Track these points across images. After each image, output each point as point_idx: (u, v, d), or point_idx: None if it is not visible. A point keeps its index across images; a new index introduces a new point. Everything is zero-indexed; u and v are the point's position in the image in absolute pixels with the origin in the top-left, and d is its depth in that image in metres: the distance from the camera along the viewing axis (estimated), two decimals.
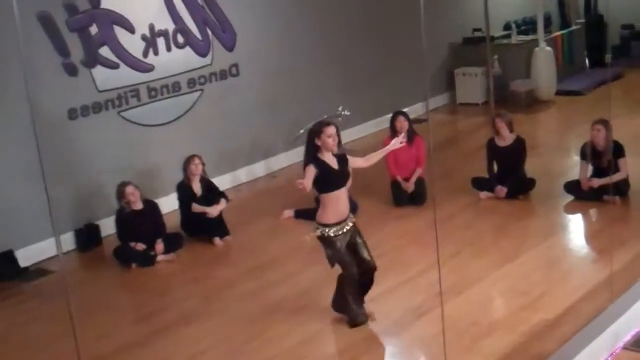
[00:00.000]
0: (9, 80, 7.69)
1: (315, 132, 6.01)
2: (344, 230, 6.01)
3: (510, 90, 13.06)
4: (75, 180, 8.54)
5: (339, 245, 5.99)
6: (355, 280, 6.06)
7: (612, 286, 6.11)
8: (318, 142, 5.94)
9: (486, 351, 5.61)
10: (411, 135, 8.81)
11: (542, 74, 13.06)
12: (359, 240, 6.11)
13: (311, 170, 5.84)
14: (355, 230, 6.11)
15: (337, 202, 5.96)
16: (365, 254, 6.10)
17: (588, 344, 5.25)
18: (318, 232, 6.02)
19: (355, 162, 6.20)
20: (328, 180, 5.91)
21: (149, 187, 8.65)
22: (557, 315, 5.98)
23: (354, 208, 7.03)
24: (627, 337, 5.58)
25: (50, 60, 8.29)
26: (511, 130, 8.73)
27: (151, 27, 9.21)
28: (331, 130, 5.94)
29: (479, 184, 8.84)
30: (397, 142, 6.19)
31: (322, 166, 5.89)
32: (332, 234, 5.97)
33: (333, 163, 5.98)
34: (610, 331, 5.44)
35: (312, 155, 5.99)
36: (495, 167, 8.82)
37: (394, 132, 8.90)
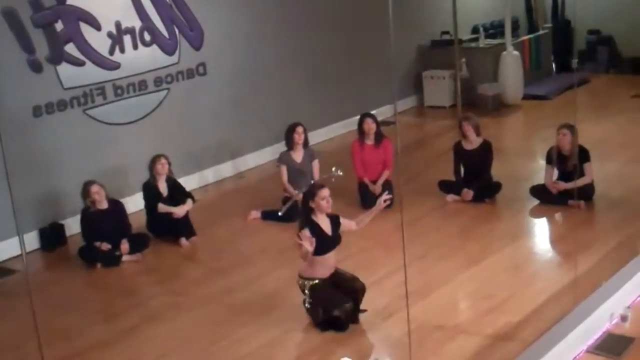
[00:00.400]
0: None
1: (309, 195, 6.11)
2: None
3: (477, 93, 13.11)
4: (40, 179, 8.43)
5: (321, 287, 6.08)
6: (348, 313, 6.08)
7: (576, 290, 6.17)
8: (312, 205, 6.05)
9: (451, 354, 5.64)
10: (379, 138, 8.84)
11: (509, 78, 13.15)
12: (339, 271, 6.22)
13: (306, 235, 5.93)
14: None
15: (326, 263, 6.12)
16: (350, 279, 6.19)
17: (552, 347, 5.29)
18: (300, 284, 6.15)
19: (347, 226, 6.34)
20: (320, 244, 5.99)
21: (115, 186, 8.55)
22: (522, 318, 6.03)
23: None
24: (591, 340, 5.63)
25: (14, 57, 8.16)
26: (478, 134, 8.78)
27: (118, 25, 9.12)
28: (325, 192, 6.06)
29: (446, 187, 8.88)
30: (382, 201, 6.28)
31: (315, 230, 6.00)
32: (313, 283, 6.10)
33: (326, 226, 6.10)
34: (573, 334, 5.48)
35: (306, 217, 6.09)
36: (462, 171, 8.86)
37: (361, 134, 8.93)
